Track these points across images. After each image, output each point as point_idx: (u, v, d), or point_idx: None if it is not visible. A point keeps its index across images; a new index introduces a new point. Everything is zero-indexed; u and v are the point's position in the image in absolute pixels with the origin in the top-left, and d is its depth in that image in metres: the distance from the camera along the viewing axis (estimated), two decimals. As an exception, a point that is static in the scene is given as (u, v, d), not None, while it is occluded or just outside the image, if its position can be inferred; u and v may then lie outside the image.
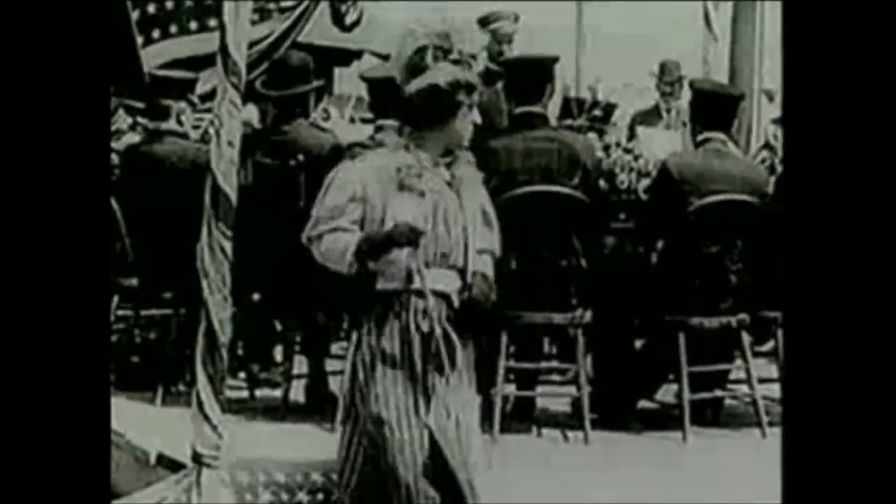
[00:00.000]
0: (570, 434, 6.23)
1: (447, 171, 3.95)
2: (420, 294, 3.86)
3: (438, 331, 3.84)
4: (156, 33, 7.17)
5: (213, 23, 6.40)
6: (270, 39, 6.13)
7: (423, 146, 3.93)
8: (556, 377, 6.91)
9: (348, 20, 6.54)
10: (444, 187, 3.92)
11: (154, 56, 7.48)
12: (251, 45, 4.78)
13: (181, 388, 6.46)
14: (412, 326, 3.86)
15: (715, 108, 6.50)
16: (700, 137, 6.46)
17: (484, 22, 8.29)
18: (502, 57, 7.96)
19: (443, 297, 3.89)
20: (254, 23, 4.79)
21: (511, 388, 6.43)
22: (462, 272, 3.92)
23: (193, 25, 6.94)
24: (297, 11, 6.92)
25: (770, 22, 8.52)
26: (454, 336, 3.86)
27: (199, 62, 7.27)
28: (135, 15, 7.36)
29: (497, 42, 8.24)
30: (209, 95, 5.59)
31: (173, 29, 7.15)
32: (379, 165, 3.92)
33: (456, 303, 3.91)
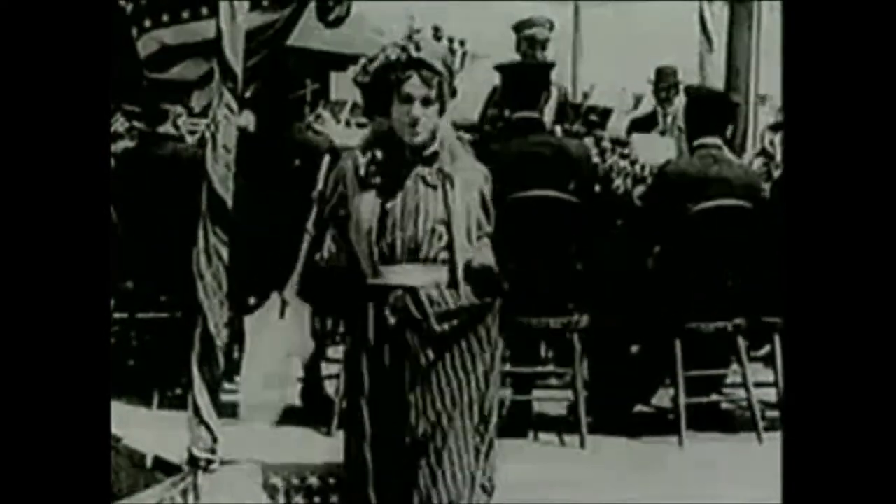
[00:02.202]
0: (566, 438, 6.22)
1: (426, 167, 3.99)
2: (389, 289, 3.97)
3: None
4: (147, 23, 7.14)
5: (205, 10, 6.38)
6: (270, 32, 6.11)
7: (391, 140, 4.00)
8: (552, 381, 6.91)
9: (332, 16, 6.52)
10: (417, 182, 3.98)
11: (144, 46, 7.43)
12: (249, 36, 4.78)
13: (177, 391, 6.45)
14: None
15: (711, 114, 6.51)
16: (696, 143, 6.46)
17: (519, 28, 8.31)
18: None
19: (410, 291, 3.96)
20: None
21: (507, 393, 6.42)
22: (448, 265, 3.97)
23: (185, 14, 6.91)
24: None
25: (766, 27, 8.53)
26: (433, 327, 3.93)
27: (191, 50, 7.23)
28: (128, 7, 7.32)
29: (531, 48, 8.24)
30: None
31: (165, 18, 7.12)
32: (351, 163, 4.03)
33: (434, 296, 3.97)
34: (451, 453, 3.93)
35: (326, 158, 5.35)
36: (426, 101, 3.95)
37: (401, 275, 3.96)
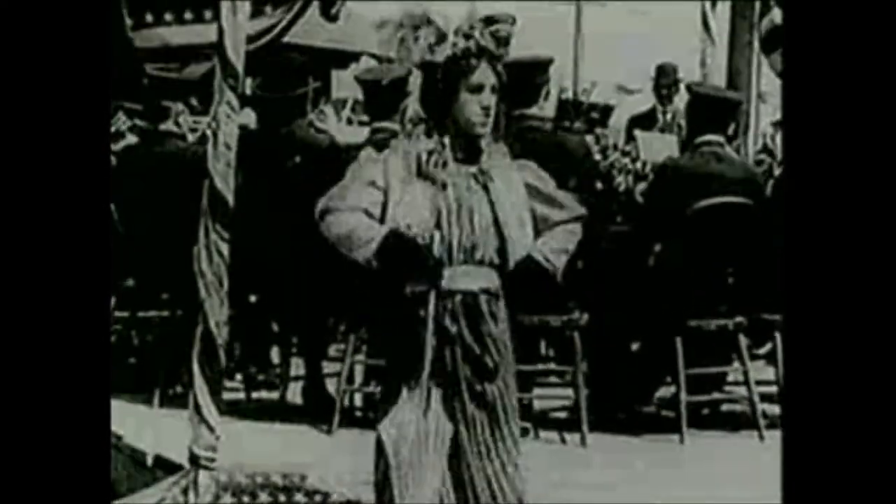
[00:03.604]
0: (567, 436, 6.22)
1: (474, 165, 3.80)
2: (447, 294, 3.75)
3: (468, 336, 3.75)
4: (149, 17, 7.11)
5: (208, 14, 6.35)
6: (270, 35, 6.08)
7: (451, 133, 3.81)
8: (553, 379, 6.91)
9: (333, 10, 6.54)
10: (469, 180, 3.79)
11: (145, 40, 7.41)
12: (250, 40, 4.78)
13: (178, 389, 6.46)
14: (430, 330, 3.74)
15: (713, 112, 6.50)
16: (698, 140, 6.45)
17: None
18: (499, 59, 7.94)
19: (470, 295, 3.77)
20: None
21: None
22: (500, 269, 3.80)
23: (189, 16, 6.89)
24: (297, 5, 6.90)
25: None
26: (492, 338, 3.79)
27: (190, 52, 7.21)
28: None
29: (495, 45, 8.21)
30: (207, 98, 5.59)
31: (168, 17, 7.09)
32: (402, 152, 3.82)
33: (494, 311, 3.80)
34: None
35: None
36: (493, 90, 3.83)
37: (457, 278, 3.76)
